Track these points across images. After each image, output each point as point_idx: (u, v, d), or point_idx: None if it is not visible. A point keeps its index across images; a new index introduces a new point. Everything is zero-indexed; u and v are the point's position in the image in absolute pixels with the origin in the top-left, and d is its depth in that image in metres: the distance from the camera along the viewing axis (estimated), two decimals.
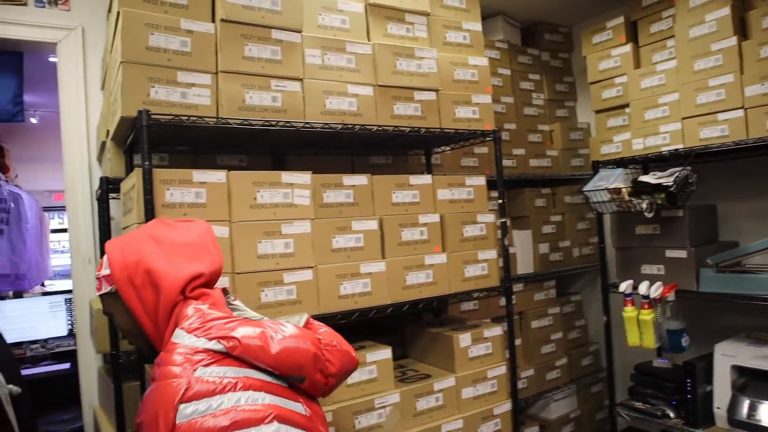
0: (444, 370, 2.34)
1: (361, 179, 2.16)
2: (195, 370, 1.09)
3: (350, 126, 2.10)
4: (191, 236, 1.40)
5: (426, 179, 2.32)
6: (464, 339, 2.34)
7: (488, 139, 2.52)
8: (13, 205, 5.81)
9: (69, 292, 4.49)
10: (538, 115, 3.50)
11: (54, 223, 8.78)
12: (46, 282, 6.59)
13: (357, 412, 2.01)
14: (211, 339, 1.15)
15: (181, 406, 1.05)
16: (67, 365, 3.78)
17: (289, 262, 1.92)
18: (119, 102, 1.84)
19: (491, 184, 2.57)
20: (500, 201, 2.50)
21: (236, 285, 1.82)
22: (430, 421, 2.19)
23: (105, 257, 1.35)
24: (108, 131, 2.22)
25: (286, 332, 1.22)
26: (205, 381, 1.08)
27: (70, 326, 4.31)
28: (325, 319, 1.98)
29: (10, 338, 3.31)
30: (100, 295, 1.36)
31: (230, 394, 1.08)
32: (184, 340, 1.16)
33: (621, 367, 3.23)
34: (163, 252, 1.32)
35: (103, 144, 2.42)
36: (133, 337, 1.36)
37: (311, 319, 1.43)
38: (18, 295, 4.77)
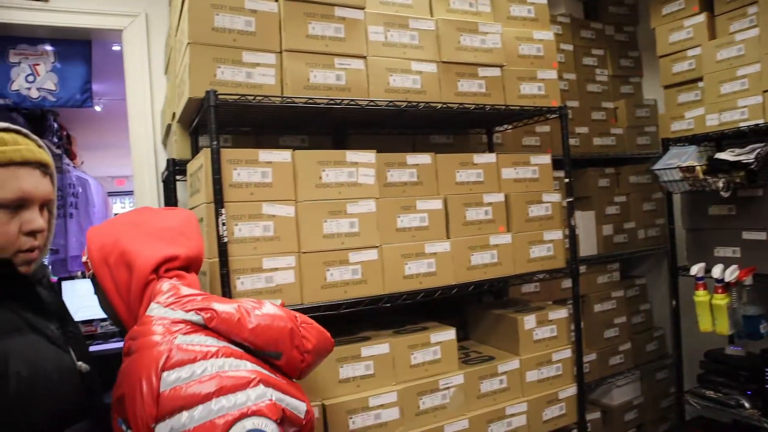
0: (508, 352, 2.30)
1: (424, 158, 2.12)
2: (175, 338, 1.07)
3: (414, 104, 2.07)
4: (171, 222, 1.38)
5: (490, 158, 2.27)
6: (529, 321, 2.29)
7: (554, 116, 2.44)
8: (81, 190, 6.07)
9: None
10: (602, 92, 3.36)
11: (116, 207, 9.14)
12: None
13: (421, 392, 2.00)
14: (187, 311, 1.13)
15: (164, 374, 1.02)
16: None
17: (354, 242, 1.91)
18: (186, 83, 1.86)
19: (555, 164, 2.49)
20: (567, 180, 2.42)
21: (302, 265, 1.82)
22: (494, 403, 2.16)
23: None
24: (174, 114, 2.26)
25: (262, 309, 1.20)
26: (186, 349, 1.05)
27: None
28: (391, 299, 1.97)
29: (81, 316, 3.46)
30: (90, 280, 1.33)
31: (213, 360, 1.05)
32: (160, 312, 1.14)
33: (688, 354, 3.11)
34: (140, 234, 1.30)
35: (168, 127, 2.47)
36: (112, 320, 1.34)
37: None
38: (84, 275, 4.99)
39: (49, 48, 2.99)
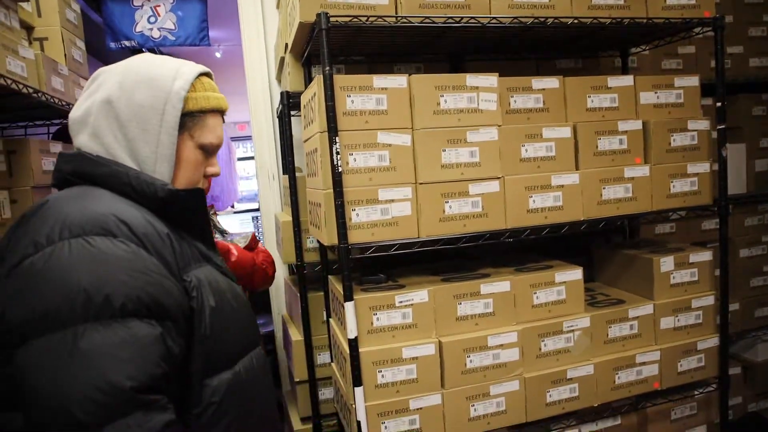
0: (640, 296, 2.10)
1: (551, 82, 1.92)
2: None
3: (542, 20, 1.85)
4: None
5: (626, 80, 2.01)
6: (666, 263, 2.06)
7: (706, 30, 2.11)
8: None
9: (255, 210, 4.87)
10: (764, 2, 2.87)
11: (239, 152, 9.57)
12: (235, 204, 7.28)
13: (543, 334, 1.88)
14: None
15: None
16: None
17: (474, 172, 1.79)
18: (297, 8, 1.79)
19: (703, 89, 2.17)
20: (719, 104, 2.10)
21: (419, 196, 1.74)
22: (623, 350, 1.99)
23: None
24: (286, 45, 2.21)
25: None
26: None
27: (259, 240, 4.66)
28: (513, 234, 1.84)
29: None
30: None
31: None
32: None
33: None
34: None
35: (282, 60, 2.44)
36: None
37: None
38: (214, 213, 5.28)
39: None
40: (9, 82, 1.72)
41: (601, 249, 2.37)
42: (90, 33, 3.20)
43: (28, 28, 2.35)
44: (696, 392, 2.14)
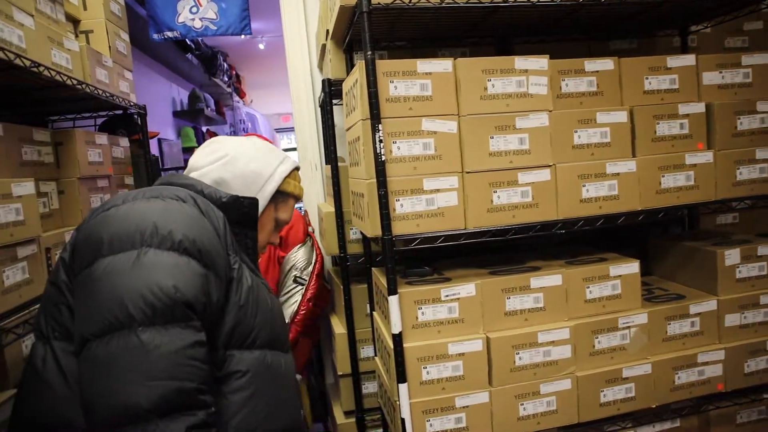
0: (702, 291, 1.97)
1: (605, 63, 1.81)
2: None
3: None
4: None
5: (687, 60, 1.88)
6: (731, 256, 1.93)
7: None
8: (250, 125, 6.44)
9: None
10: None
11: (284, 143, 9.66)
12: None
13: (597, 330, 1.78)
14: None
15: None
16: None
17: (524, 160, 1.70)
18: None
19: None
20: None
21: (465, 186, 1.66)
22: (683, 348, 1.88)
23: None
24: (327, 31, 2.16)
25: None
26: None
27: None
28: (566, 225, 1.74)
29: None
30: None
31: None
32: None
33: None
34: None
35: (323, 48, 2.39)
36: None
37: None
38: None
39: None
40: (53, 73, 1.73)
41: (658, 240, 2.25)
42: (135, 25, 3.23)
43: (75, 21, 2.38)
44: (765, 395, 2.01)
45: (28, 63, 1.58)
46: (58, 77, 1.76)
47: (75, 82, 1.92)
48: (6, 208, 1.55)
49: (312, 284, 2.23)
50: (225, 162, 1.25)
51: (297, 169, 1.40)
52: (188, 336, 0.95)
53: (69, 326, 1.01)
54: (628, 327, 1.82)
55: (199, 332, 0.97)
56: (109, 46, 2.43)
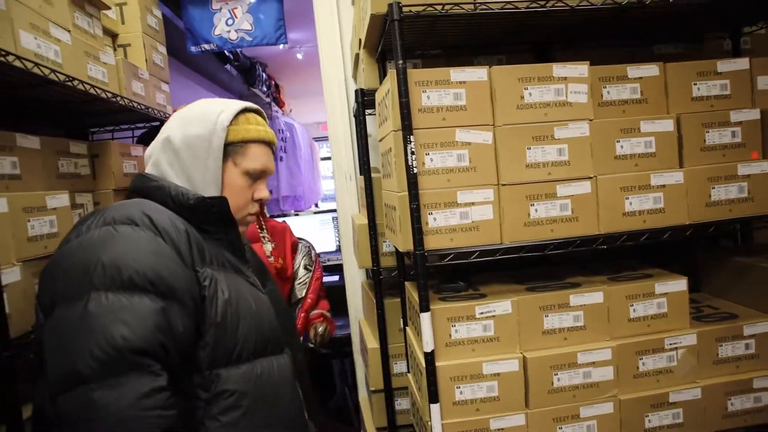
0: (757, 310, 1.85)
1: (650, 69, 1.72)
2: None
3: None
4: None
5: (740, 63, 1.77)
6: None
7: None
8: (289, 135, 6.50)
9: (333, 210, 4.90)
10: None
11: (323, 152, 9.72)
12: (319, 203, 7.41)
13: (642, 351, 1.69)
14: None
15: None
16: (336, 277, 4.09)
17: (563, 172, 1.63)
18: (369, 0, 1.70)
19: None
20: None
21: (501, 199, 1.60)
22: (736, 371, 1.75)
23: None
24: (360, 40, 2.13)
25: None
26: None
27: (337, 242, 4.67)
28: (607, 240, 1.66)
29: None
30: None
31: None
32: None
33: None
34: None
35: (356, 57, 2.37)
36: None
37: None
38: (296, 213, 5.40)
39: None
40: (88, 87, 1.75)
41: (707, 255, 2.12)
42: (175, 37, 3.28)
43: (113, 35, 2.41)
44: None
45: (62, 78, 1.60)
46: (93, 91, 1.78)
47: (110, 95, 1.94)
48: (40, 220, 1.56)
49: (317, 266, 2.63)
50: (163, 140, 1.20)
51: (246, 111, 1.27)
52: (143, 385, 0.91)
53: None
54: (675, 348, 1.71)
55: (158, 376, 0.93)
56: (146, 59, 2.46)
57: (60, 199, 1.66)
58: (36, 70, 1.48)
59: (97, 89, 1.82)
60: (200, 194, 1.16)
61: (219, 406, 1.02)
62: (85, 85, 1.74)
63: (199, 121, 1.20)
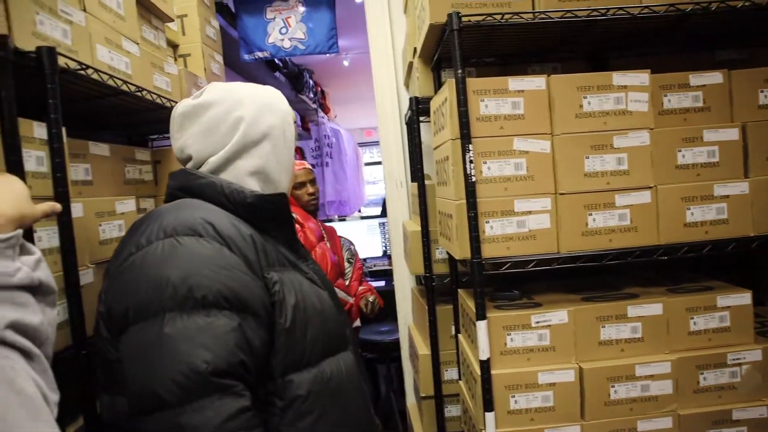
0: None
1: (713, 76, 1.68)
2: None
3: (704, 4, 1.63)
4: None
5: None
6: None
7: None
8: (334, 140, 6.58)
9: (381, 216, 4.94)
10: None
11: (366, 157, 9.81)
12: (362, 209, 7.46)
13: (703, 366, 1.64)
14: None
15: None
16: (382, 282, 4.12)
17: (622, 182, 1.61)
18: (427, 10, 1.72)
19: None
20: None
21: (559, 208, 1.59)
22: None
23: None
24: (414, 49, 2.16)
25: None
26: None
27: (384, 248, 4.70)
28: (668, 251, 1.63)
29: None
30: None
31: None
32: None
33: None
34: None
35: (410, 66, 2.39)
36: None
37: None
38: (341, 218, 5.46)
39: (299, 1, 3.13)
40: (154, 97, 1.82)
41: None
42: (227, 46, 3.38)
43: (174, 46, 2.50)
44: None
45: (133, 88, 1.68)
46: (158, 100, 1.86)
47: (173, 104, 2.01)
48: (111, 224, 1.64)
49: (357, 258, 3.08)
50: (234, 131, 1.12)
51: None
52: (228, 407, 0.90)
53: (119, 380, 0.97)
54: (739, 364, 1.66)
55: (241, 397, 0.92)
56: (204, 68, 2.54)
57: (127, 204, 1.74)
58: (110, 81, 1.55)
59: (162, 98, 1.89)
60: (255, 192, 1.11)
61: (295, 412, 1.00)
62: (152, 94, 1.81)
63: (270, 110, 1.17)
